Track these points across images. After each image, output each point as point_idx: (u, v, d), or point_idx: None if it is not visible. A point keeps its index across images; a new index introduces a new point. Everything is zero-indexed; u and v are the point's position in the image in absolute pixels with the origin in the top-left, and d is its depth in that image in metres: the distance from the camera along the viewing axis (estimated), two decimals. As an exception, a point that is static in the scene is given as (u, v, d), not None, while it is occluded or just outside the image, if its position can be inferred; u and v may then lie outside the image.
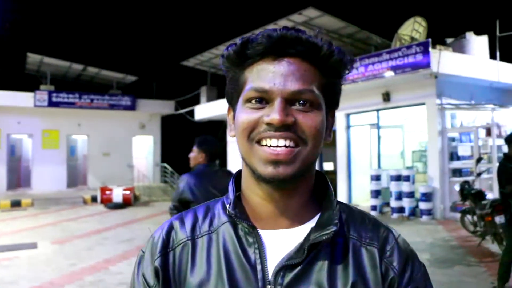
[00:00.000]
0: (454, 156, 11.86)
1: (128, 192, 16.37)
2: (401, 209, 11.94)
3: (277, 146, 0.83)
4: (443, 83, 11.75)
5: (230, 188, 0.96)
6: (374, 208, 12.68)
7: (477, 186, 8.52)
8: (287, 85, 0.83)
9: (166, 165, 22.58)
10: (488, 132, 11.50)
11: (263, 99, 0.85)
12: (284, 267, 0.85)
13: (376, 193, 12.69)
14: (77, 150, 23.77)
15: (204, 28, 38.80)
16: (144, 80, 25.63)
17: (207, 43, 19.26)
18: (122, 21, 37.26)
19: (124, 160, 22.45)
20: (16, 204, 16.93)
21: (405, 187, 11.84)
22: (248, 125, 0.85)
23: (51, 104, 20.49)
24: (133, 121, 22.90)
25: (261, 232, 0.89)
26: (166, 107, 23.35)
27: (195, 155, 4.09)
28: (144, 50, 36.86)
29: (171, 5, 40.55)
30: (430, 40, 11.16)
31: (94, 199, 17.63)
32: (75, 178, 22.67)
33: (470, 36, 13.80)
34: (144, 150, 24.32)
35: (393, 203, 12.11)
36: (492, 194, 9.03)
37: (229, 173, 4.21)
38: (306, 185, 0.92)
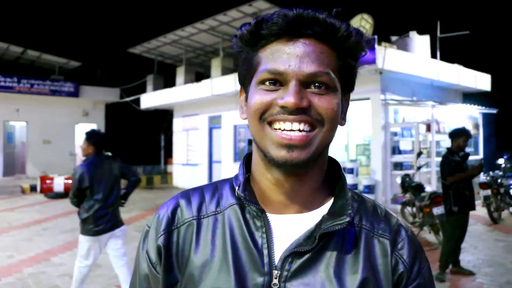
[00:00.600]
0: (396, 150, 12.30)
1: (70, 181, 15.82)
2: (345, 201, 12.21)
3: (291, 130, 0.81)
4: (387, 79, 12.11)
5: (240, 170, 0.95)
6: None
7: (417, 179, 8.91)
8: (302, 67, 0.81)
9: (109, 154, 22.01)
10: (428, 128, 11.95)
11: (277, 81, 0.83)
12: (292, 254, 0.83)
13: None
14: (15, 137, 22.72)
15: (152, 16, 38.05)
16: (88, 66, 24.89)
17: (154, 31, 18.87)
18: (67, 2, 35.83)
19: (66, 148, 21.73)
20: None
21: (349, 179, 12.03)
22: (260, 106, 0.83)
23: (-14, 87, 19.47)
24: (76, 108, 22.19)
25: (270, 216, 0.88)
26: (111, 94, 22.77)
27: (85, 147, 4.78)
28: (89, 35, 35.62)
29: (118, -10, 39.40)
30: (376, 37, 11.47)
31: (33, 189, 16.93)
32: (12, 166, 21.67)
33: (414, 35, 14.31)
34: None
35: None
36: (431, 187, 9.46)
37: (116, 159, 4.93)
38: (318, 170, 0.90)
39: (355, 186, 12.09)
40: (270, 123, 0.83)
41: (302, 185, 0.88)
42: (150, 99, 20.46)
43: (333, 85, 0.84)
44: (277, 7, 14.62)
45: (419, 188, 8.03)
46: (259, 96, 0.84)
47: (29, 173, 21.04)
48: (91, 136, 4.81)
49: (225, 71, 17.30)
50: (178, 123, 20.15)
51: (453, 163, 5.81)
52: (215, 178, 17.77)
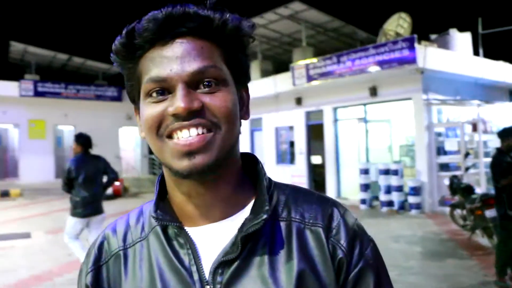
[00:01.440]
0: (441, 150, 12.13)
1: (117, 183, 16.34)
2: (390, 203, 12.14)
3: (189, 137, 0.76)
4: (429, 79, 12.00)
5: (155, 189, 0.90)
6: (363, 201, 12.89)
7: (465, 180, 8.83)
8: (185, 68, 0.76)
9: (154, 157, 22.46)
10: (474, 128, 11.75)
11: (164, 89, 0.77)
12: (221, 264, 0.79)
13: (365, 187, 12.88)
14: (64, 141, 23.55)
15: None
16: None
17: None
18: (107, 12, 36.70)
19: (112, 151, 22.31)
20: (5, 194, 16.88)
21: (393, 181, 12.03)
22: (153, 121, 0.78)
23: (37, 93, 20.29)
24: (120, 112, 22.75)
25: (191, 230, 0.83)
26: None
27: (75, 147, 5.91)
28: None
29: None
30: (415, 35, 11.40)
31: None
32: (63, 168, 22.42)
33: (454, 32, 14.13)
34: (132, 141, 24.22)
35: (382, 197, 12.32)
36: (480, 189, 9.35)
37: (98, 157, 6.02)
38: (231, 172, 0.84)
39: (400, 188, 11.98)
40: (169, 136, 0.78)
41: (217, 191, 0.83)
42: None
43: (223, 78, 0.79)
44: (313, 8, 14.68)
45: (469, 189, 7.86)
46: (149, 110, 0.78)
47: (77, 175, 21.72)
48: (78, 138, 5.92)
49: (264, 74, 17.46)
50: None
51: (505, 164, 5.47)
52: (258, 180, 17.89)
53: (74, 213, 5.77)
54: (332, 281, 0.79)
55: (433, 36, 14.52)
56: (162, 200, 0.88)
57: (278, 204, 0.85)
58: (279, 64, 19.21)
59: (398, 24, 14.28)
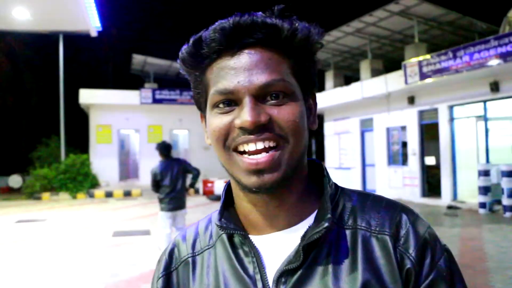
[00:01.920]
0: None
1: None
2: (514, 208, 11.15)
3: (256, 151, 0.75)
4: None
5: (221, 198, 0.90)
6: (483, 205, 11.97)
7: None
8: (252, 80, 0.74)
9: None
10: None
11: (230, 100, 0.76)
12: (284, 273, 0.78)
13: (484, 190, 11.94)
14: (179, 144, 24.98)
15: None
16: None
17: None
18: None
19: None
20: (127, 194, 18.33)
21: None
22: (220, 133, 0.77)
23: (155, 101, 21.83)
24: (230, 115, 23.65)
25: (256, 238, 0.83)
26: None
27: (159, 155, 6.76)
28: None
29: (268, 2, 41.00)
30: None
31: (196, 191, 18.47)
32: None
33: None
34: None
35: (505, 201, 11.31)
36: None
37: (178, 160, 6.85)
38: (298, 182, 0.83)
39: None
40: (235, 149, 0.77)
41: (284, 201, 0.81)
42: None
43: (291, 91, 0.77)
44: (426, 1, 13.94)
45: None
46: (216, 122, 0.77)
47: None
48: (157, 148, 6.83)
49: (375, 73, 16.97)
50: (329, 127, 20.26)
51: None
52: (368, 182, 17.52)
53: (162, 208, 6.64)
54: None
55: None
56: (228, 208, 0.89)
57: (343, 212, 0.83)
58: (390, 63, 18.55)
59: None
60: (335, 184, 0.88)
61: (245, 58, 0.75)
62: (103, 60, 31.15)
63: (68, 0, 12.28)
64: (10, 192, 20.41)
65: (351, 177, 18.25)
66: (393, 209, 0.83)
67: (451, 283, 0.78)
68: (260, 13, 0.78)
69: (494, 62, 11.29)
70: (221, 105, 0.77)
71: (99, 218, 12.49)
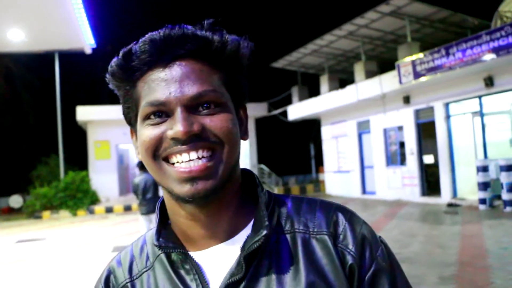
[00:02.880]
0: None
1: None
2: (514, 202, 11.05)
3: (190, 161, 0.74)
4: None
5: (155, 216, 0.88)
6: (483, 201, 11.89)
7: None
8: (184, 91, 0.74)
9: (263, 166, 22.97)
10: None
11: (162, 112, 0.76)
12: (228, 286, 0.76)
13: (484, 186, 11.87)
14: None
15: (289, 29, 38.91)
16: (236, 84, 26.32)
17: (294, 43, 19.28)
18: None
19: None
20: (127, 208, 18.28)
21: (516, 178, 10.94)
22: (150, 143, 0.76)
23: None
24: (230, 124, 23.62)
25: (196, 254, 0.81)
26: (259, 109, 23.75)
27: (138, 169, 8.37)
28: (233, 55, 37.69)
29: (256, 10, 41.14)
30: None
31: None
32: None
33: None
34: (242, 152, 24.92)
35: (505, 196, 11.23)
36: None
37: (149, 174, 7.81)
38: (232, 191, 0.83)
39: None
40: (166, 159, 0.76)
41: (220, 212, 0.81)
42: (297, 110, 20.90)
43: (222, 102, 0.78)
44: (416, 1, 13.96)
45: None
46: (147, 133, 0.76)
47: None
48: (136, 164, 8.81)
49: (369, 75, 16.97)
50: (326, 131, 20.24)
51: None
52: (368, 184, 17.46)
53: (141, 212, 8.17)
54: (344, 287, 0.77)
55: None
56: (164, 226, 0.87)
57: (280, 218, 0.84)
58: (384, 64, 18.55)
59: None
60: (268, 192, 0.87)
61: (176, 69, 0.76)
62: (99, 77, 31.20)
63: (62, 19, 12.35)
64: (11, 213, 20.36)
65: (350, 180, 18.19)
66: (328, 209, 0.84)
67: (391, 272, 0.80)
68: (190, 26, 0.78)
69: (488, 57, 11.26)
70: (152, 117, 0.76)
71: (99, 234, 12.45)
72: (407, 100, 15.08)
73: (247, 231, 0.82)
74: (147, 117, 0.77)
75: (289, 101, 22.41)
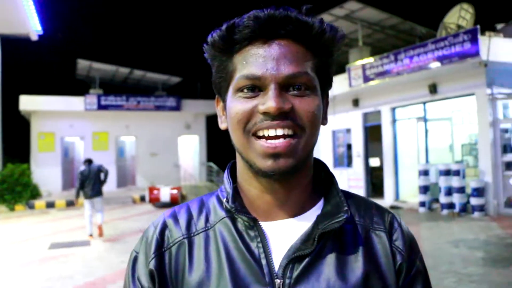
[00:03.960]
0: (508, 148, 11.29)
1: (175, 191, 16.57)
2: (451, 205, 11.55)
3: (275, 137, 0.78)
4: (494, 72, 11.24)
5: (226, 180, 0.91)
6: (422, 204, 12.32)
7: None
8: (280, 70, 0.78)
9: (212, 164, 22.85)
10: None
11: (255, 86, 0.79)
12: (292, 259, 0.80)
13: (424, 189, 12.30)
14: (126, 151, 24.43)
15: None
16: (188, 81, 26.05)
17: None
18: (165, 25, 37.88)
19: (171, 160, 22.88)
20: (71, 204, 17.61)
21: (455, 182, 11.42)
22: (242, 116, 0.80)
23: (100, 107, 21.22)
24: (179, 121, 23.30)
25: (263, 224, 0.84)
26: (211, 107, 23.57)
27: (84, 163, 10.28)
28: (187, 52, 37.41)
29: (210, 6, 40.93)
30: (478, 27, 10.68)
31: (142, 199, 18.06)
32: (124, 178, 23.33)
33: (524, 20, 13.13)
34: (190, 149, 24.72)
35: (443, 199, 11.72)
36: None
37: (96, 165, 10.22)
38: (305, 173, 0.87)
39: (462, 189, 11.33)
40: (255, 133, 0.79)
41: (292, 190, 0.85)
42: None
43: (313, 85, 0.81)
44: (369, 6, 14.24)
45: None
46: (239, 105, 0.80)
47: (138, 184, 22.50)
48: (83, 162, 10.41)
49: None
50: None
51: None
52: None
53: (85, 196, 9.94)
54: (394, 284, 0.83)
55: (499, 26, 13.58)
56: (236, 192, 0.89)
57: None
58: (336, 66, 18.77)
59: (460, 16, 13.55)
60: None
61: (275, 48, 0.79)
62: (46, 65, 30.15)
63: (5, 1, 11.76)
64: None
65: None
66: (382, 209, 0.93)
67: (425, 275, 0.89)
68: (293, 9, 0.81)
69: (433, 65, 11.61)
70: (245, 90, 0.80)
71: (37, 230, 11.92)
72: (356, 103, 15.36)
73: (315, 211, 0.86)
74: (240, 90, 0.81)
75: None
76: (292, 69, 0.78)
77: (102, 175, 10.20)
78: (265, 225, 0.84)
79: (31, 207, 17.48)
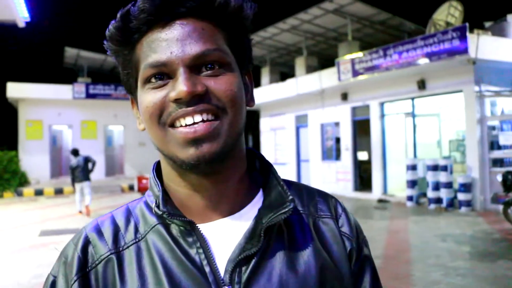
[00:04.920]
0: (494, 145, 11.49)
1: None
2: (438, 200, 11.70)
3: (194, 124, 0.70)
4: (481, 69, 11.41)
5: (153, 182, 0.80)
6: (410, 198, 12.51)
7: (520, 176, 8.30)
8: (186, 50, 0.70)
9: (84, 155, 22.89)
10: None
11: (163, 74, 0.71)
12: (238, 262, 0.72)
13: (412, 183, 12.47)
14: (114, 140, 24.35)
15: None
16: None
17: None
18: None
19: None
20: (59, 191, 17.60)
21: (442, 177, 11.56)
22: (154, 108, 0.71)
23: (89, 96, 21.10)
24: (167, 111, 23.28)
25: (200, 226, 0.75)
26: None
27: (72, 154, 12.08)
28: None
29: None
30: (467, 24, 10.83)
31: (131, 188, 18.09)
32: (112, 167, 23.32)
33: (511, 18, 13.32)
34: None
35: (430, 194, 11.88)
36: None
37: (83, 156, 11.74)
38: (238, 163, 0.79)
39: (449, 184, 11.49)
40: (172, 125, 0.71)
41: (225, 183, 0.77)
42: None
43: (227, 62, 0.73)
44: (359, 1, 14.32)
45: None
46: (149, 97, 0.72)
47: (127, 173, 22.46)
48: (71, 152, 12.01)
49: (310, 70, 17.25)
50: (265, 123, 20.42)
51: None
52: (303, 177, 17.81)
53: (76, 181, 11.51)
54: (348, 271, 0.80)
55: (487, 24, 13.77)
56: (166, 194, 0.79)
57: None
58: (324, 60, 18.93)
59: (449, 13, 13.67)
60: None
61: (177, 28, 0.71)
62: (34, 53, 29.80)
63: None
64: None
65: (286, 173, 18.48)
66: (326, 195, 0.88)
67: (371, 259, 0.86)
68: None
69: (421, 61, 11.75)
70: (153, 80, 0.72)
71: (26, 218, 11.93)
72: (345, 97, 15.48)
73: (255, 205, 0.79)
74: (147, 81, 0.72)
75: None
76: (200, 47, 0.71)
77: (90, 165, 11.72)
78: (202, 227, 0.75)
79: (20, 194, 17.45)
